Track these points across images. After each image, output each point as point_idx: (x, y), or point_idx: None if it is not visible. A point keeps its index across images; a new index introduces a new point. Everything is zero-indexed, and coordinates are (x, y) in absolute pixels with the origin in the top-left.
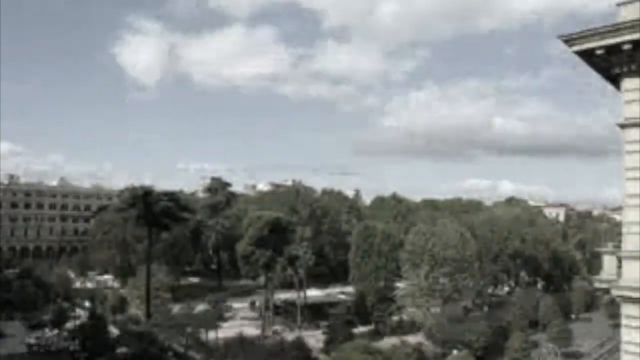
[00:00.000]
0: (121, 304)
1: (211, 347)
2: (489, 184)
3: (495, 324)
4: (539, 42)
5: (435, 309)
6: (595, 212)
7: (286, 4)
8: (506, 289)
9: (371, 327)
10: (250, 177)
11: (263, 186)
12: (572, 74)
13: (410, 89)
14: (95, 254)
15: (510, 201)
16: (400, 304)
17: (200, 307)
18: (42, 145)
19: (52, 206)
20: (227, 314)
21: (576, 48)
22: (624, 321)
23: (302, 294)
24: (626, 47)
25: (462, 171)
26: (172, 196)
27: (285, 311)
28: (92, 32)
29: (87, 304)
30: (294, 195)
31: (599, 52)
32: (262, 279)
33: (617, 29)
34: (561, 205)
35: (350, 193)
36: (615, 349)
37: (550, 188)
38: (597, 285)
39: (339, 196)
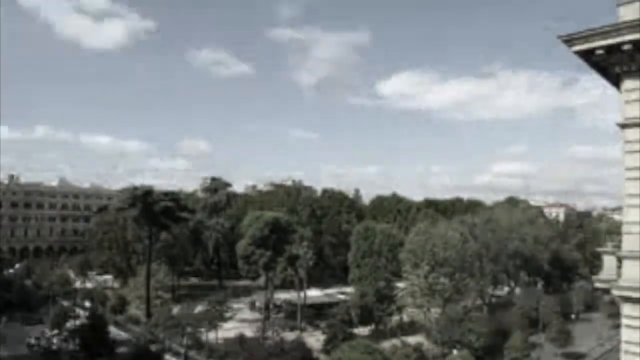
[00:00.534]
0: (121, 304)
1: (211, 347)
2: None
3: (495, 324)
4: None
5: (435, 309)
6: (595, 212)
7: None
8: (506, 289)
9: (371, 327)
10: None
11: (263, 186)
12: None
13: None
14: (95, 254)
15: (510, 201)
16: (400, 304)
17: (200, 307)
18: None
19: (52, 206)
20: (227, 314)
21: (576, 48)
22: (624, 321)
23: (302, 294)
24: (626, 47)
25: None
26: (172, 196)
27: (285, 311)
28: None
29: (87, 304)
30: (294, 195)
31: (599, 52)
32: (262, 279)
33: (617, 29)
34: (561, 205)
35: (350, 193)
36: (615, 349)
37: None
38: (597, 285)
39: (339, 196)
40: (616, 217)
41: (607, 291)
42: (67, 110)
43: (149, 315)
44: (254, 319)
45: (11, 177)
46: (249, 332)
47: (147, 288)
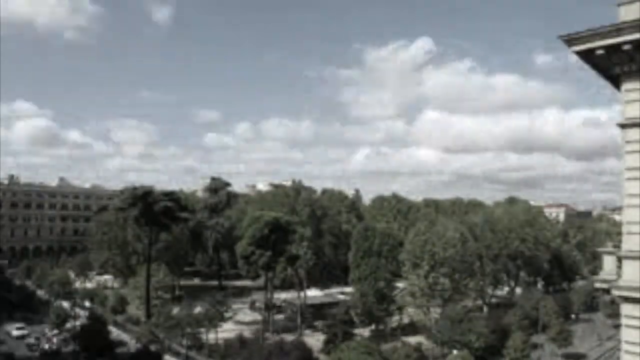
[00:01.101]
0: (121, 304)
1: (211, 348)
2: None
3: (495, 324)
4: None
5: (435, 309)
6: (595, 212)
7: None
8: (506, 289)
9: (371, 327)
10: None
11: (263, 186)
12: None
13: None
14: (95, 254)
15: (511, 201)
16: (401, 304)
17: (200, 307)
18: None
19: (52, 206)
20: (227, 314)
21: (576, 48)
22: (624, 321)
23: (302, 294)
24: (626, 47)
25: None
26: (172, 196)
27: (285, 311)
28: None
29: (87, 304)
30: (294, 195)
31: (599, 52)
32: (262, 279)
33: (617, 29)
34: (561, 205)
35: (350, 193)
36: (615, 349)
37: None
38: (597, 285)
39: (339, 196)
40: (616, 217)
41: (607, 291)
42: None
43: (148, 315)
44: (254, 319)
45: (11, 177)
46: (248, 333)
47: (147, 288)
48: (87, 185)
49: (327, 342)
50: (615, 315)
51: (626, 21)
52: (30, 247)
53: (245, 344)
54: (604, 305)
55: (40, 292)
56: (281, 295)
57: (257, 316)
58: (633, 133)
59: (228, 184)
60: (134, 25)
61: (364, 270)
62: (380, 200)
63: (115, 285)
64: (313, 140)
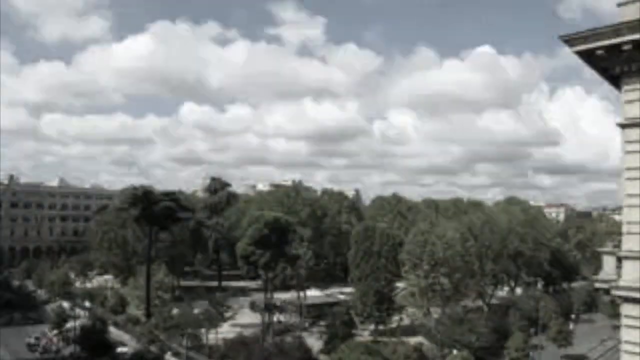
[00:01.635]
0: (121, 304)
1: (211, 348)
2: None
3: (495, 324)
4: None
5: (435, 309)
6: (595, 212)
7: None
8: (506, 289)
9: (371, 327)
10: None
11: (263, 186)
12: None
13: None
14: (95, 254)
15: (511, 201)
16: (401, 304)
17: (200, 307)
18: None
19: (52, 206)
20: (227, 314)
21: (577, 48)
22: (623, 321)
23: (302, 294)
24: (626, 47)
25: None
26: (172, 196)
27: (285, 311)
28: None
29: (87, 304)
30: (294, 195)
31: (599, 52)
32: (262, 280)
33: (617, 29)
34: (561, 205)
35: (350, 193)
36: (615, 349)
37: None
38: (597, 285)
39: (339, 196)
40: (616, 217)
41: (607, 291)
42: None
43: (148, 315)
44: (253, 319)
45: (11, 177)
46: (248, 333)
47: (147, 288)
48: (87, 185)
49: (327, 342)
50: (615, 315)
51: (626, 21)
52: (30, 247)
53: (245, 344)
54: (604, 305)
55: (40, 292)
56: (281, 296)
57: (257, 316)
58: (633, 133)
59: (228, 184)
60: None
61: (364, 270)
62: (380, 200)
63: (115, 285)
64: None
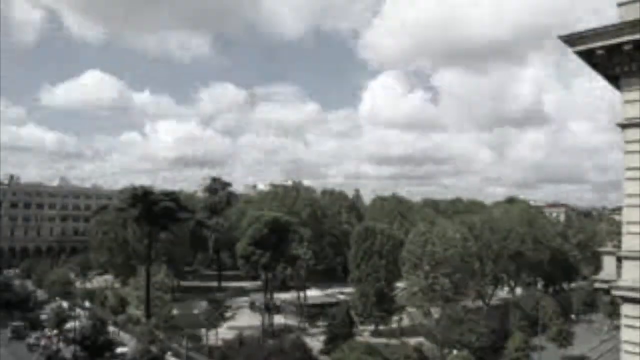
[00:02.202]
0: (121, 304)
1: (211, 348)
2: None
3: (495, 324)
4: None
5: (435, 309)
6: (595, 212)
7: None
8: (506, 289)
9: (371, 327)
10: None
11: (263, 186)
12: None
13: None
14: (95, 254)
15: (511, 201)
16: (401, 304)
17: (200, 307)
18: None
19: (52, 206)
20: (227, 314)
21: (577, 48)
22: (623, 321)
23: (302, 294)
24: (626, 47)
25: None
26: (172, 196)
27: (285, 311)
28: None
29: (87, 304)
30: (294, 195)
31: (599, 52)
32: (261, 280)
33: (617, 29)
34: (561, 205)
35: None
36: (615, 349)
37: None
38: (597, 285)
39: (339, 196)
40: (616, 217)
41: (607, 291)
42: None
43: (148, 315)
44: (253, 319)
45: (11, 177)
46: (248, 333)
47: (147, 288)
48: (87, 185)
49: (327, 342)
50: (615, 315)
51: (626, 21)
52: (30, 247)
53: (245, 344)
54: (604, 305)
55: (40, 292)
56: (281, 296)
57: (257, 316)
58: (633, 133)
59: (228, 184)
60: None
61: (364, 270)
62: (380, 200)
63: (115, 285)
64: None
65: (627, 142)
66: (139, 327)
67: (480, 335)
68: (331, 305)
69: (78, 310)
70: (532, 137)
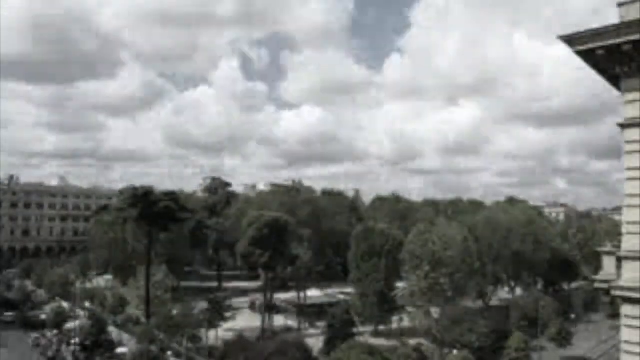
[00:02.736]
0: (121, 304)
1: (211, 348)
2: None
3: (495, 324)
4: None
5: (435, 309)
6: (595, 212)
7: None
8: (506, 289)
9: (371, 327)
10: None
11: (263, 186)
12: None
13: None
14: (95, 254)
15: (511, 201)
16: (400, 304)
17: (200, 307)
18: None
19: (52, 206)
20: (227, 314)
21: (577, 48)
22: (623, 321)
23: (302, 294)
24: (626, 47)
25: None
26: (172, 196)
27: (285, 311)
28: None
29: (87, 304)
30: (294, 195)
31: (599, 52)
32: (261, 280)
33: (617, 29)
34: (561, 205)
35: (350, 193)
36: (615, 349)
37: None
38: (597, 285)
39: (339, 196)
40: (616, 217)
41: (607, 291)
42: None
43: (148, 315)
44: (253, 319)
45: (11, 177)
46: (248, 333)
47: (147, 288)
48: (87, 185)
49: (327, 342)
50: (615, 315)
51: (626, 21)
52: (30, 247)
53: (245, 344)
54: (604, 305)
55: (40, 292)
56: (281, 296)
57: (257, 316)
58: (633, 133)
59: (228, 184)
60: None
61: (364, 270)
62: (380, 201)
63: (115, 285)
64: None
65: (627, 142)
66: (138, 327)
67: (480, 335)
68: (331, 305)
69: (78, 311)
70: None
